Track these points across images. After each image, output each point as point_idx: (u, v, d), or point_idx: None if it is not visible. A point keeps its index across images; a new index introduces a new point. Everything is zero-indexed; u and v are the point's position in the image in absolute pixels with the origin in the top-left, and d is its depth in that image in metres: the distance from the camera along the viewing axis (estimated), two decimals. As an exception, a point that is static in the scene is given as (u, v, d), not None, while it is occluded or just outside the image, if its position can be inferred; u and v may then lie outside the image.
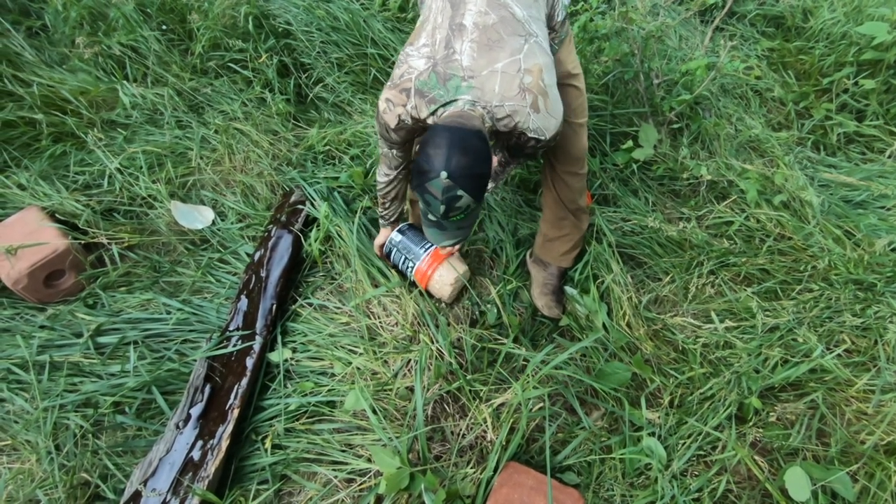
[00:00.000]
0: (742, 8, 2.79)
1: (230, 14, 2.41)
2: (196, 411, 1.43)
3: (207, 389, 1.47)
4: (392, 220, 1.70)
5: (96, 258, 1.83)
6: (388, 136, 1.32)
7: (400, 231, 1.72)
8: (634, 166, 2.05)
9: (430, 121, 1.19)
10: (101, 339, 1.62)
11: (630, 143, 2.03)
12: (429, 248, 1.69)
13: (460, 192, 1.10)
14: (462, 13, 1.18)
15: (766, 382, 1.48)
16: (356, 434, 1.43)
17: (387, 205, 1.64)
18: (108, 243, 1.81)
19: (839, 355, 1.54)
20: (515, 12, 1.20)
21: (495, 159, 1.52)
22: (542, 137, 1.21)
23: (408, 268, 1.70)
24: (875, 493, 1.30)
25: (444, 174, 1.07)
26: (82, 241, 1.81)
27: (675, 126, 2.22)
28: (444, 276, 1.66)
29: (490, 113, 1.16)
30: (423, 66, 1.17)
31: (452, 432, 1.43)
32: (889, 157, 2.19)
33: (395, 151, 1.41)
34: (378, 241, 1.75)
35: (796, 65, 2.51)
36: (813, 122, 2.31)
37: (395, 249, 1.71)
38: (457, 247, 1.72)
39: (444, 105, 1.15)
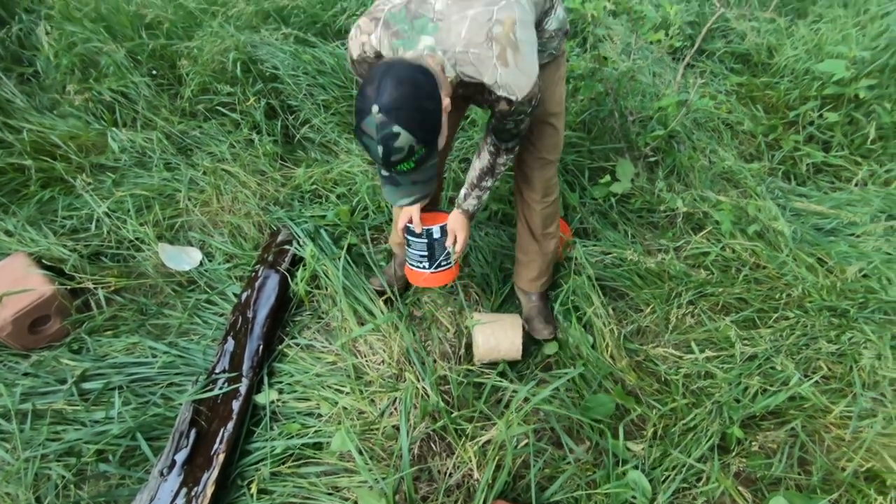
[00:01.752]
0: (711, 46, 2.93)
1: (219, 60, 2.49)
2: (181, 457, 1.41)
3: (193, 434, 1.46)
4: None
5: (82, 303, 1.84)
6: (354, 68, 1.25)
7: (442, 229, 1.57)
8: (613, 200, 2.12)
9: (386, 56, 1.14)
10: (86, 385, 1.61)
11: (608, 177, 2.10)
12: (449, 259, 1.60)
13: (396, 129, 0.99)
14: None
15: (747, 412, 1.50)
16: (343, 476, 1.42)
17: None
18: (94, 288, 1.82)
19: (816, 382, 1.57)
20: None
21: (485, 152, 1.42)
22: (513, 97, 1.13)
23: (419, 264, 1.60)
24: (857, 522, 1.31)
25: (374, 108, 0.98)
26: (68, 287, 1.82)
27: (651, 160, 2.30)
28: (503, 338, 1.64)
29: (452, 60, 1.10)
30: (399, 0, 1.14)
31: (439, 471, 1.43)
32: (855, 185, 2.28)
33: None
34: (397, 214, 1.59)
35: (764, 99, 2.63)
36: (782, 154, 2.41)
37: (426, 241, 1.56)
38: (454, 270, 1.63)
39: (404, 42, 1.11)
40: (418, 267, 1.61)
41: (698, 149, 2.38)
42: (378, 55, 1.16)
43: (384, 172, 1.12)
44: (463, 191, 1.52)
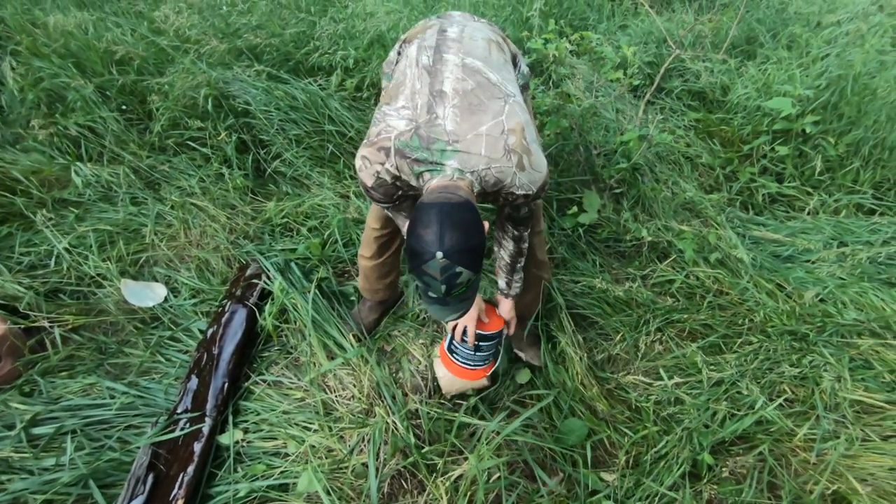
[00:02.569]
0: (669, 84, 3.09)
1: (190, 95, 2.50)
2: (136, 505, 1.34)
3: (150, 479, 1.39)
4: None
5: (37, 342, 1.76)
6: (371, 194, 1.27)
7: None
8: (580, 230, 2.17)
9: (413, 183, 1.19)
10: (36, 430, 1.52)
11: (575, 208, 2.16)
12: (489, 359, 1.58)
13: (459, 269, 1.06)
14: (441, 80, 1.20)
15: (716, 437, 1.52)
16: (310, 519, 1.37)
17: None
18: (50, 326, 1.75)
19: (781, 405, 1.61)
20: (490, 77, 1.23)
21: (508, 240, 1.46)
22: (530, 192, 1.21)
23: (483, 362, 1.56)
24: (827, 546, 1.32)
25: (439, 254, 1.04)
26: (22, 326, 1.74)
27: (617, 191, 2.38)
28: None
29: (478, 178, 1.15)
30: (405, 126, 1.16)
31: (410, 510, 1.39)
32: (808, 214, 2.40)
33: (386, 208, 1.35)
34: (471, 314, 1.50)
35: (720, 133, 2.77)
36: (740, 185, 2.53)
37: (499, 339, 1.55)
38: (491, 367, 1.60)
39: (430, 169, 1.15)
40: (483, 364, 1.56)
41: (661, 180, 2.47)
42: (397, 179, 1.20)
43: (434, 295, 1.13)
44: (502, 281, 1.54)
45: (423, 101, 1.18)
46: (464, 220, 1.06)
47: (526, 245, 1.46)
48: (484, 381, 1.60)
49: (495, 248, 1.51)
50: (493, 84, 1.23)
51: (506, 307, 1.57)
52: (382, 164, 1.18)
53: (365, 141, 1.22)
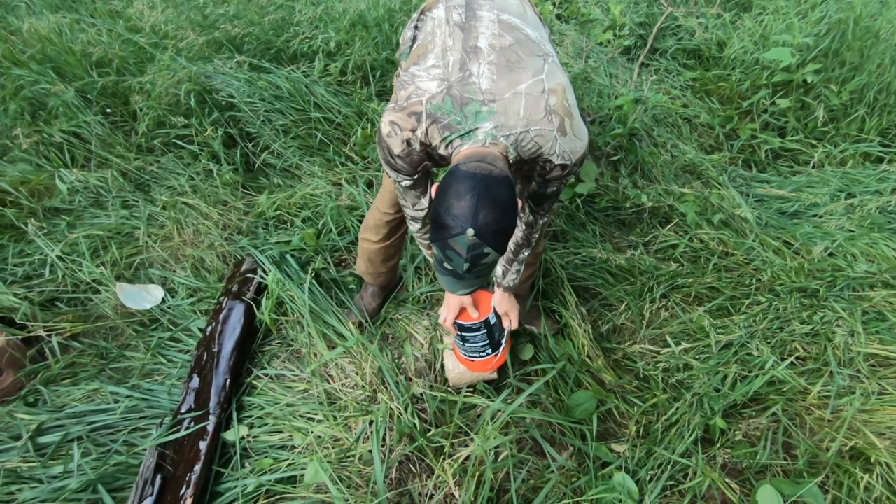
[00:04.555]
0: (662, 44, 2.99)
1: (172, 92, 2.45)
2: (146, 506, 1.34)
3: (158, 480, 1.39)
4: None
5: (37, 352, 1.75)
6: (392, 163, 1.14)
7: (495, 312, 1.48)
8: (579, 201, 2.12)
9: (442, 151, 1.07)
10: (43, 439, 1.52)
11: (572, 178, 2.11)
12: (505, 338, 1.51)
13: (487, 250, 0.97)
14: (475, 36, 1.08)
15: (727, 401, 1.49)
16: (320, 509, 1.36)
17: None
18: (48, 335, 1.74)
19: (793, 364, 1.57)
20: (529, 34, 1.12)
21: (520, 223, 1.36)
22: (569, 162, 1.09)
23: (481, 352, 1.49)
24: (847, 503, 1.29)
25: (470, 232, 0.94)
26: (20, 337, 1.73)
27: (614, 158, 2.32)
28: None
29: (515, 142, 1.04)
30: (436, 88, 1.04)
31: (420, 493, 1.38)
32: (813, 167, 2.33)
33: (404, 183, 1.21)
34: (453, 303, 1.42)
35: (718, 91, 2.69)
36: (741, 142, 2.45)
37: (485, 330, 1.46)
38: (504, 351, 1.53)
39: (462, 135, 1.03)
40: (481, 356, 1.49)
41: (659, 144, 2.41)
42: (427, 147, 1.09)
43: (449, 267, 1.05)
44: (499, 268, 1.44)
45: (456, 59, 1.06)
46: (501, 198, 0.96)
47: (536, 236, 1.36)
48: (492, 374, 1.56)
49: None
50: (532, 41, 1.11)
51: (497, 297, 1.48)
52: (414, 130, 1.06)
53: (391, 105, 1.10)
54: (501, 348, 1.49)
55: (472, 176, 0.95)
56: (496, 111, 1.02)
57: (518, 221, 1.32)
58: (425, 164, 1.14)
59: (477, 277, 1.07)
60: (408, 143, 1.08)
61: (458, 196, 0.95)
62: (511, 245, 1.38)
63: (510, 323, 1.49)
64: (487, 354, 1.48)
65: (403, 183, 1.20)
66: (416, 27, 1.29)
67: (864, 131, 2.38)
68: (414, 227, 1.36)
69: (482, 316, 1.42)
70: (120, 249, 2.07)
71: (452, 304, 1.42)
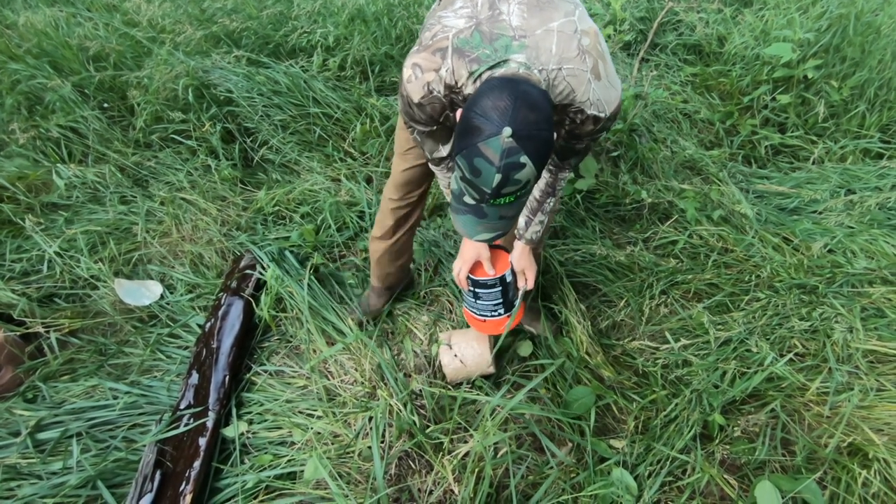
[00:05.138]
0: (663, 39, 2.98)
1: (170, 87, 2.44)
2: (146, 502, 1.34)
3: (158, 476, 1.39)
4: None
5: (36, 348, 1.75)
6: (412, 112, 1.07)
7: (512, 270, 1.39)
8: (578, 197, 2.11)
9: (469, 89, 0.99)
10: (42, 436, 1.52)
11: (571, 174, 2.10)
12: (519, 299, 1.43)
13: (524, 159, 0.86)
14: None
15: (726, 397, 1.49)
16: (319, 505, 1.36)
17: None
18: (46, 331, 1.74)
19: (791, 360, 1.57)
20: None
21: (535, 189, 1.28)
22: (602, 113, 1.02)
23: (492, 312, 1.42)
24: (844, 499, 1.30)
25: (507, 130, 0.83)
26: (18, 333, 1.73)
27: (614, 154, 2.31)
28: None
29: (546, 80, 0.97)
30: (464, 24, 0.98)
31: (420, 490, 1.38)
32: (813, 163, 2.32)
33: (425, 136, 1.13)
34: (468, 255, 1.34)
35: (718, 87, 2.68)
36: (741, 138, 2.45)
37: (500, 287, 1.36)
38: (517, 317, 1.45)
39: (491, 66, 0.95)
40: (493, 315, 1.41)
41: (659, 140, 2.40)
42: (451, 89, 1.01)
43: (471, 201, 0.96)
44: (523, 219, 1.33)
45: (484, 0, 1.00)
46: (540, 103, 0.88)
47: (562, 184, 1.26)
48: (490, 369, 1.56)
49: None
50: None
51: (517, 252, 1.37)
52: (437, 69, 0.99)
53: (415, 48, 1.04)
54: (515, 309, 1.42)
55: (510, 80, 0.89)
56: (527, 45, 0.96)
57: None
58: (447, 113, 1.07)
59: (500, 218, 0.98)
60: (429, 88, 1.01)
61: (495, 97, 0.86)
62: (535, 193, 1.30)
63: (526, 282, 1.40)
64: (500, 314, 1.41)
65: (421, 133, 1.13)
66: None
67: (864, 127, 2.37)
68: (436, 169, 1.28)
69: (499, 272, 1.35)
70: (118, 245, 2.06)
71: (467, 256, 1.34)
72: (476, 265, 1.37)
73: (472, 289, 1.38)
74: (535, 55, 0.96)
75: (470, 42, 0.97)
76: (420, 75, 1.01)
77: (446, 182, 1.30)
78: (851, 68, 2.45)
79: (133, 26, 2.70)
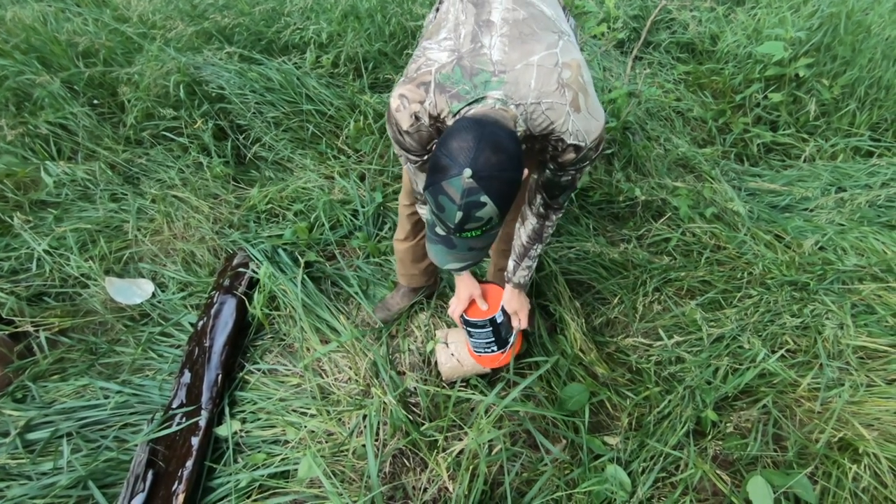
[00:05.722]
0: (656, 37, 2.99)
1: (161, 84, 2.41)
2: (137, 502, 1.33)
3: (150, 476, 1.38)
4: None
5: (25, 347, 1.73)
6: (402, 141, 1.10)
7: (503, 310, 1.46)
8: (572, 195, 2.11)
9: (449, 122, 1.02)
10: (31, 436, 1.50)
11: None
12: (514, 335, 1.50)
13: (484, 198, 0.89)
14: (488, 10, 1.06)
15: (718, 393, 1.50)
16: (313, 503, 1.36)
17: None
18: (35, 330, 1.71)
19: (783, 356, 1.58)
20: (544, 10, 1.10)
21: (531, 216, 1.31)
22: (583, 143, 1.03)
23: (486, 348, 1.49)
24: (835, 493, 1.31)
25: (468, 171, 0.87)
26: (7, 332, 1.71)
27: (608, 152, 2.31)
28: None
29: (524, 114, 0.99)
30: (446, 58, 1.02)
31: (414, 488, 1.38)
32: (804, 161, 2.34)
33: (414, 162, 1.17)
34: (462, 295, 1.43)
35: (711, 85, 2.69)
36: (733, 136, 2.46)
37: (492, 328, 1.44)
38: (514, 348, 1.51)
39: (469, 104, 0.98)
40: (487, 352, 1.49)
41: (652, 138, 2.41)
42: (436, 119, 1.04)
43: (441, 232, 0.98)
44: (510, 263, 1.41)
45: (468, 31, 1.03)
46: (505, 144, 0.90)
47: (549, 231, 1.31)
48: (486, 368, 1.56)
49: (516, 225, 1.38)
50: (547, 17, 1.08)
51: (507, 295, 1.44)
52: (422, 102, 1.03)
53: (402, 79, 1.08)
54: (509, 346, 1.48)
55: (477, 121, 0.91)
56: (506, 81, 0.98)
57: (529, 213, 1.30)
58: (434, 141, 1.10)
59: (469, 250, 1.01)
60: (416, 117, 1.05)
61: (459, 138, 0.89)
62: (523, 238, 1.34)
63: (519, 322, 1.47)
64: (493, 351, 1.48)
65: (413, 162, 1.16)
66: (436, 9, 1.26)
67: (854, 126, 2.39)
68: (422, 210, 1.32)
69: (489, 313, 1.42)
70: (109, 243, 2.04)
71: (463, 296, 1.41)
72: (472, 304, 1.45)
73: (465, 328, 1.46)
74: (514, 90, 0.98)
75: (451, 77, 1.00)
76: (407, 105, 1.04)
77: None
78: (842, 67, 2.47)
79: (123, 22, 2.66)
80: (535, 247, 1.34)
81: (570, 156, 1.07)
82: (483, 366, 1.52)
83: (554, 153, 1.08)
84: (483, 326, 1.43)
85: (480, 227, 0.95)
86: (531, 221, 1.30)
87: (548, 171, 1.16)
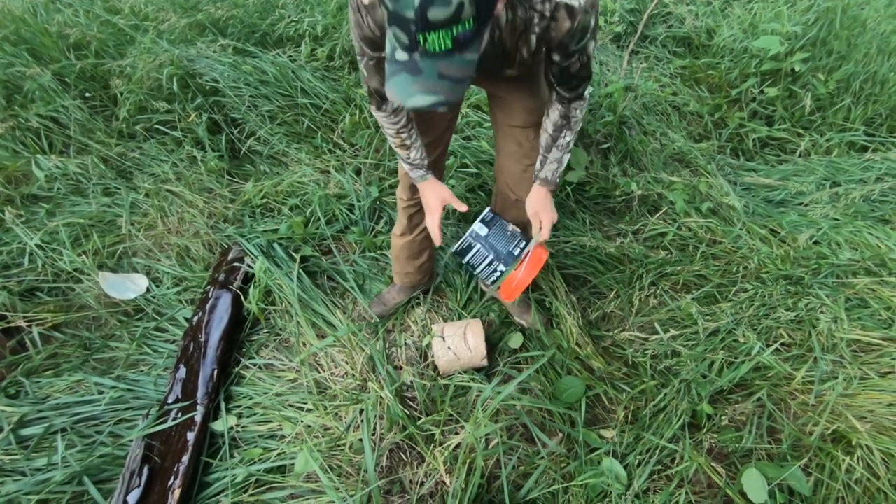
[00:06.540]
0: (653, 32, 2.98)
1: (154, 76, 2.39)
2: (133, 498, 1.32)
3: (146, 472, 1.37)
4: (428, 165, 1.24)
5: (17, 343, 1.71)
6: (362, 23, 0.96)
7: (484, 221, 1.26)
8: (569, 189, 2.11)
9: None
10: (25, 432, 1.49)
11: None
12: (523, 248, 1.28)
13: None
14: None
15: (714, 387, 1.50)
16: (310, 498, 1.36)
17: (409, 150, 1.18)
18: (28, 326, 1.70)
19: (778, 350, 1.59)
20: None
21: (554, 106, 1.16)
22: (576, 3, 0.91)
23: (493, 272, 1.30)
24: (828, 485, 1.32)
25: None
26: (-1, 327, 1.69)
27: (604, 146, 2.31)
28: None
29: None
30: None
31: (411, 481, 1.38)
32: (799, 156, 2.35)
33: (375, 77, 1.04)
34: (432, 203, 1.24)
35: (707, 79, 2.69)
36: (729, 131, 2.46)
37: (479, 245, 1.26)
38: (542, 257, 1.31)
39: None
40: (495, 276, 1.27)
41: (649, 132, 2.40)
42: None
43: (403, 56, 0.78)
44: (539, 158, 1.22)
45: None
46: None
47: (577, 118, 1.15)
48: (483, 362, 1.56)
49: (543, 124, 1.22)
50: None
51: (532, 194, 1.24)
52: None
53: None
54: (517, 260, 1.27)
55: None
56: None
57: (550, 106, 1.17)
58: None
59: (441, 78, 0.78)
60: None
61: None
62: (549, 129, 1.19)
63: (541, 229, 1.25)
64: (501, 273, 1.28)
65: (371, 58, 1.03)
66: None
67: (849, 120, 2.40)
68: (379, 115, 1.16)
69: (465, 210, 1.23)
70: (102, 238, 2.02)
71: (432, 205, 1.22)
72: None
73: (456, 258, 1.31)
74: None
75: None
76: None
77: (393, 131, 1.18)
78: (838, 62, 2.47)
79: (115, 13, 2.63)
80: (562, 134, 1.18)
81: (566, 24, 0.93)
82: (503, 298, 1.33)
83: (545, 26, 0.95)
84: (469, 246, 1.27)
85: (449, 25, 0.73)
86: (553, 113, 1.17)
87: (553, 62, 1.04)
